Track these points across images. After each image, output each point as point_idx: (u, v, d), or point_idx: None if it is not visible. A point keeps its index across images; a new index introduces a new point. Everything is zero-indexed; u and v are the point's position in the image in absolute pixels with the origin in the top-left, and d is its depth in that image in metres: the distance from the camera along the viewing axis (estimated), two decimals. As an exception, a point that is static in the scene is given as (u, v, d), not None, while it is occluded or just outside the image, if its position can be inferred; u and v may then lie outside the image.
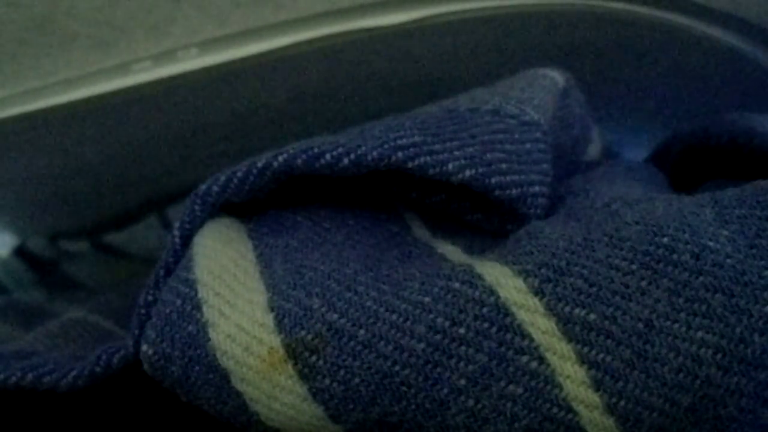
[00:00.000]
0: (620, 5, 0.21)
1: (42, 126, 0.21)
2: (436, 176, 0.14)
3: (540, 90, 0.17)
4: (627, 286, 0.12)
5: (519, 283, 0.12)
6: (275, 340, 0.12)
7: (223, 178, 0.14)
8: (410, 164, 0.14)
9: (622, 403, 0.11)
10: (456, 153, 0.14)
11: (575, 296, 0.12)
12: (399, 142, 0.14)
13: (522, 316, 0.12)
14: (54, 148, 0.22)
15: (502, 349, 0.12)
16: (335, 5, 0.20)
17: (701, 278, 0.11)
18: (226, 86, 0.21)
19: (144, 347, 0.13)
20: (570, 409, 0.11)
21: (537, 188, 0.15)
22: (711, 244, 0.12)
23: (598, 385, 0.11)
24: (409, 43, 0.21)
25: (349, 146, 0.14)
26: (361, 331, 0.12)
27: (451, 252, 0.15)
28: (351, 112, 0.23)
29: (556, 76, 0.18)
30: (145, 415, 0.16)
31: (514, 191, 0.14)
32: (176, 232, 0.14)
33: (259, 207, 0.15)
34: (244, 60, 0.20)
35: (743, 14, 0.20)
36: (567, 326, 0.11)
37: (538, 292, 0.12)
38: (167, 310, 0.13)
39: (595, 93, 0.19)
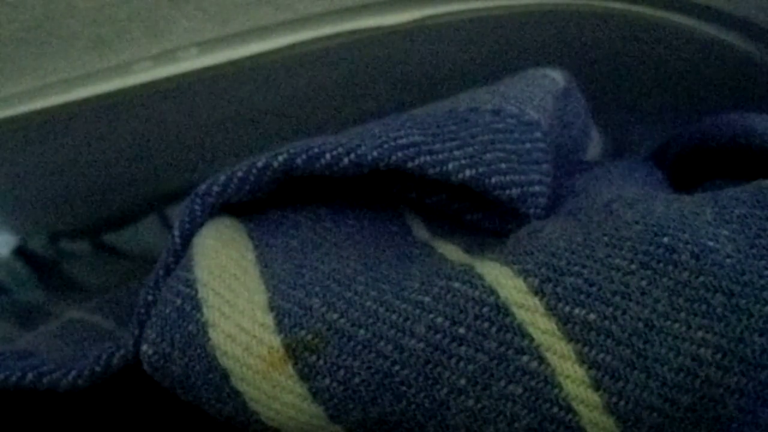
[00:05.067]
0: (620, 5, 0.21)
1: (42, 126, 0.21)
2: (436, 176, 0.14)
3: (540, 90, 0.17)
4: (627, 286, 0.12)
5: (519, 282, 0.12)
6: (275, 340, 0.12)
7: (223, 178, 0.14)
8: (410, 164, 0.14)
9: (622, 403, 0.11)
10: (456, 153, 0.14)
11: (575, 296, 0.12)
12: (399, 142, 0.14)
13: (522, 315, 0.12)
14: (54, 148, 0.22)
15: (502, 349, 0.12)
16: (335, 5, 0.20)
17: (701, 278, 0.11)
18: (226, 86, 0.21)
19: (144, 347, 0.13)
20: (570, 409, 0.11)
21: (537, 188, 0.15)
22: (711, 244, 0.12)
23: (598, 385, 0.11)
24: (409, 43, 0.21)
25: (349, 146, 0.14)
26: (361, 331, 0.12)
27: (451, 252, 0.15)
28: (351, 112, 0.23)
29: (556, 76, 0.18)
30: (145, 415, 0.16)
31: (514, 191, 0.14)
32: (176, 232, 0.14)
33: (259, 207, 0.15)
34: (244, 60, 0.20)
35: (743, 14, 0.20)
36: (567, 326, 0.11)
37: (538, 292, 0.12)
38: (167, 310, 0.13)
39: (595, 93, 0.19)
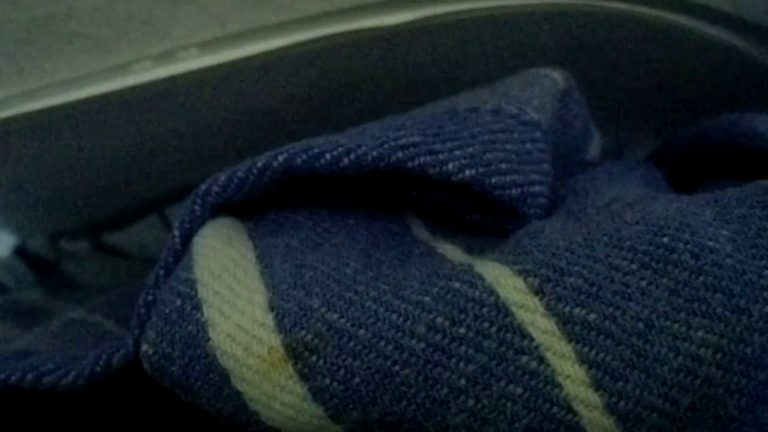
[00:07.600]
0: (620, 5, 0.21)
1: (42, 126, 0.21)
2: (436, 176, 0.14)
3: (540, 90, 0.17)
4: (627, 286, 0.12)
5: (519, 282, 0.12)
6: (275, 340, 0.12)
7: (223, 178, 0.14)
8: (410, 164, 0.14)
9: (622, 403, 0.11)
10: (456, 153, 0.14)
11: (575, 296, 0.12)
12: (399, 141, 0.14)
13: (522, 315, 0.12)
14: (54, 149, 0.22)
15: (502, 349, 0.12)
16: (335, 5, 0.20)
17: (701, 278, 0.11)
18: (226, 86, 0.21)
19: (144, 347, 0.13)
20: (570, 409, 0.11)
21: (537, 188, 0.15)
22: (711, 243, 0.12)
23: (598, 385, 0.11)
24: (410, 43, 0.21)
25: (349, 146, 0.14)
26: (361, 331, 0.12)
27: (451, 252, 0.15)
28: (351, 112, 0.23)
29: (556, 76, 0.18)
30: (145, 415, 0.16)
31: (514, 191, 0.14)
32: (176, 232, 0.14)
33: (259, 207, 0.15)
34: (244, 60, 0.20)
35: (743, 14, 0.20)
36: (567, 326, 0.11)
37: (538, 292, 0.12)
38: (167, 310, 0.13)
39: (595, 93, 0.19)
